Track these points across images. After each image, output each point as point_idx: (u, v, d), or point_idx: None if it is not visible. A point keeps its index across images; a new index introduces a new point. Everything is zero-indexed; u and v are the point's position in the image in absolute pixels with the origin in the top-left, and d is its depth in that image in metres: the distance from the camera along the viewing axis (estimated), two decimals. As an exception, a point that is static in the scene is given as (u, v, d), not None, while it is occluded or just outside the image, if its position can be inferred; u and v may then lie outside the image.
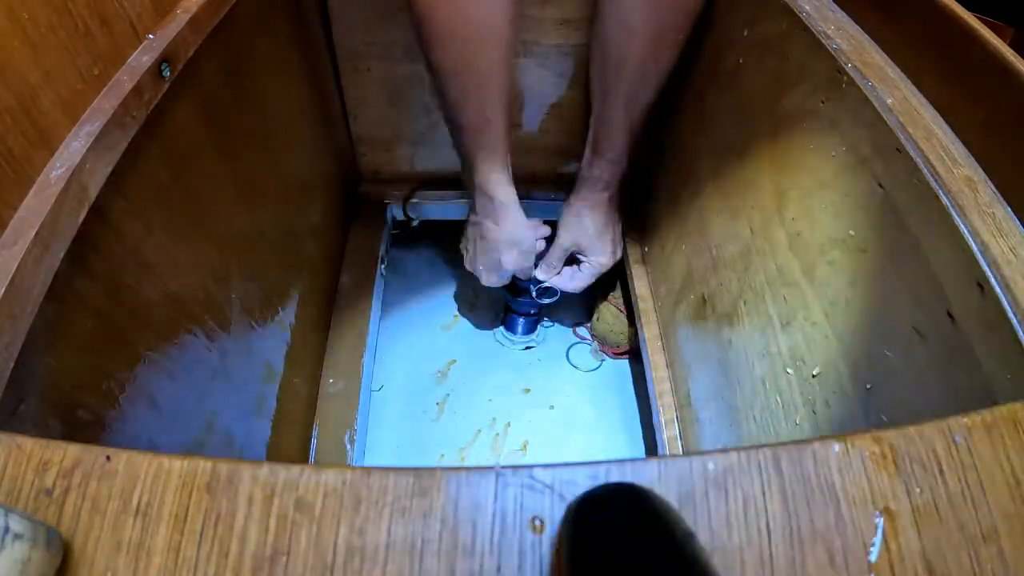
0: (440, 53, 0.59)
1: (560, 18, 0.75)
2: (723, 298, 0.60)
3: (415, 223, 0.97)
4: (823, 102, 0.44)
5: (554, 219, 0.87)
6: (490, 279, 0.78)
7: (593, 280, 0.82)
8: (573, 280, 0.82)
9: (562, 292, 0.85)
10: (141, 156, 0.39)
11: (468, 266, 0.80)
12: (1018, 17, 0.80)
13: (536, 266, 0.81)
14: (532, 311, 0.91)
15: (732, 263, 0.59)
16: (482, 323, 0.96)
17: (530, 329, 0.93)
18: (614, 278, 0.92)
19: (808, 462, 0.22)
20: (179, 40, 0.42)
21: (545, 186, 0.94)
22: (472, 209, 0.74)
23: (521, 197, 0.92)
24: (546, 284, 0.83)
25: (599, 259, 0.79)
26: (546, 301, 0.85)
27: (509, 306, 0.92)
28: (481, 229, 0.73)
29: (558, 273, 0.82)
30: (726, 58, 0.60)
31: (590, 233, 0.77)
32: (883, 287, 0.38)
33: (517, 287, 0.85)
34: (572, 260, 0.82)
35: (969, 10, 0.38)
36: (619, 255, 0.81)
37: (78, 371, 0.33)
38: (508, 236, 0.72)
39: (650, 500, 0.20)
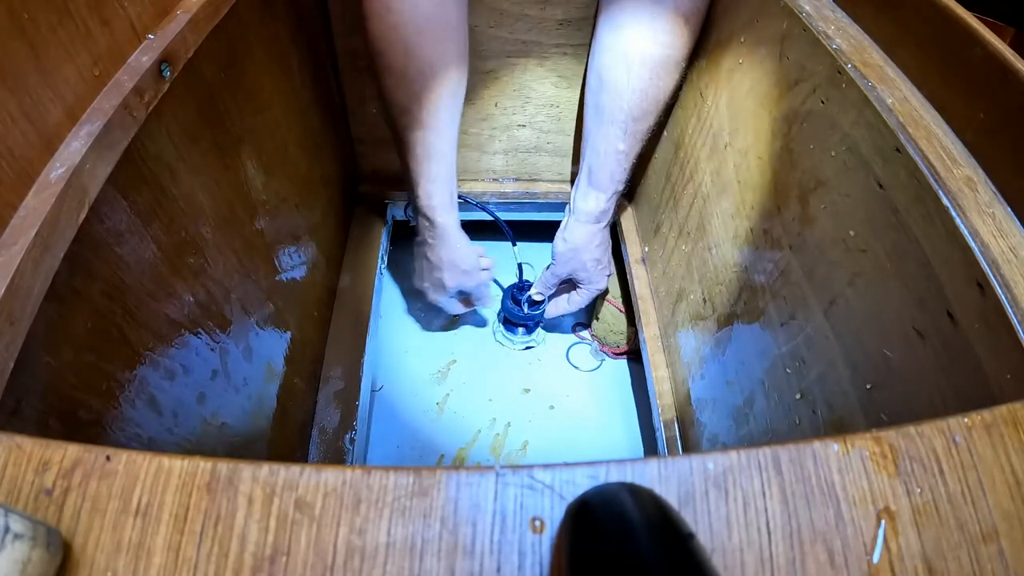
0: (391, 87, 0.62)
1: (560, 18, 0.75)
2: (723, 298, 0.60)
3: (414, 222, 0.97)
4: (823, 102, 0.44)
5: (555, 218, 0.87)
6: (436, 297, 0.81)
7: (589, 302, 0.85)
8: (570, 304, 0.85)
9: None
10: (141, 156, 0.39)
11: (416, 284, 0.82)
12: (1018, 17, 0.80)
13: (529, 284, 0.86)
14: (527, 322, 0.92)
15: (732, 263, 0.59)
16: (482, 323, 0.96)
17: (530, 329, 0.93)
18: (613, 278, 0.92)
19: (808, 462, 0.22)
20: (179, 40, 0.42)
21: (545, 185, 0.94)
22: (416, 231, 0.76)
23: (522, 196, 0.94)
24: (539, 303, 0.86)
25: (596, 286, 0.82)
26: (536, 312, 0.88)
27: (507, 316, 0.93)
28: (424, 249, 0.76)
29: (553, 294, 0.85)
30: (726, 58, 0.60)
31: (587, 267, 0.79)
32: (883, 287, 0.38)
33: (514, 299, 0.88)
34: (567, 281, 0.84)
35: (969, 10, 0.38)
36: (611, 271, 0.84)
37: (78, 371, 0.33)
38: (448, 257, 0.75)
39: (650, 500, 0.20)
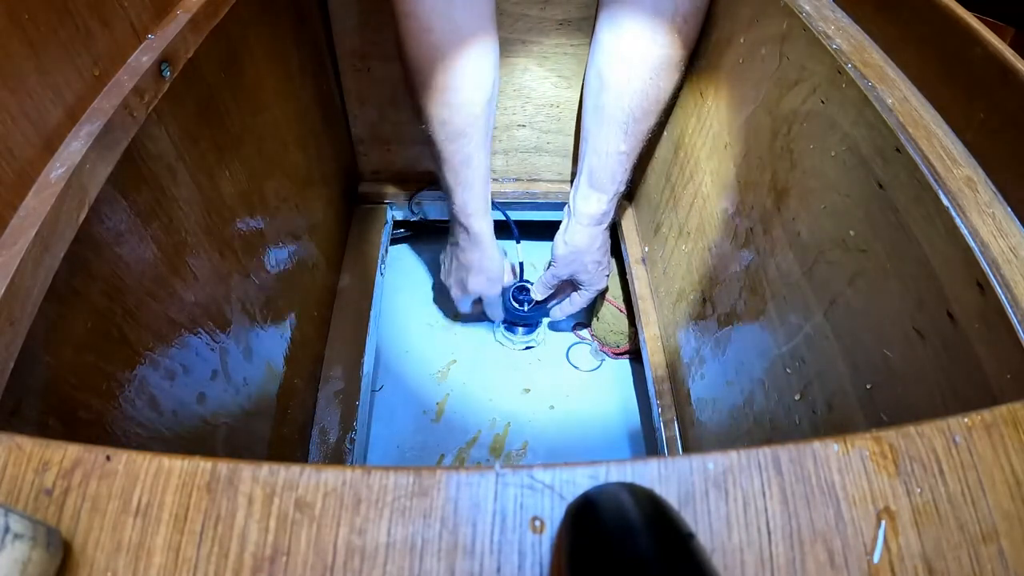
0: (430, 101, 0.63)
1: (560, 18, 0.75)
2: (723, 298, 0.60)
3: (416, 217, 0.97)
4: (823, 102, 0.44)
5: (555, 218, 0.88)
6: (457, 295, 0.83)
7: (590, 302, 0.86)
8: (572, 304, 0.87)
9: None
10: (141, 156, 0.39)
11: (443, 278, 0.85)
12: (1018, 17, 0.80)
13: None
14: (527, 322, 0.92)
15: (732, 263, 0.59)
16: (482, 323, 0.96)
17: (530, 329, 0.93)
18: (614, 278, 0.92)
19: (808, 462, 0.22)
20: (179, 40, 0.42)
21: (546, 185, 0.94)
22: (451, 232, 0.78)
23: (522, 196, 0.94)
24: (540, 303, 0.87)
25: (597, 287, 0.83)
26: (536, 312, 0.88)
27: (507, 317, 0.93)
28: (456, 251, 0.78)
29: (552, 294, 0.86)
30: (726, 58, 0.60)
31: (589, 269, 0.79)
32: (883, 287, 0.38)
33: (514, 299, 0.88)
34: (566, 281, 0.84)
35: (969, 10, 0.38)
36: (610, 271, 0.85)
37: (78, 371, 0.33)
38: (478, 264, 0.77)
39: (650, 500, 0.20)
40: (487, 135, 0.67)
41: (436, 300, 0.99)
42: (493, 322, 0.93)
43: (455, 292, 0.83)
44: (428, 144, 0.68)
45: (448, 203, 0.73)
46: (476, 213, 0.72)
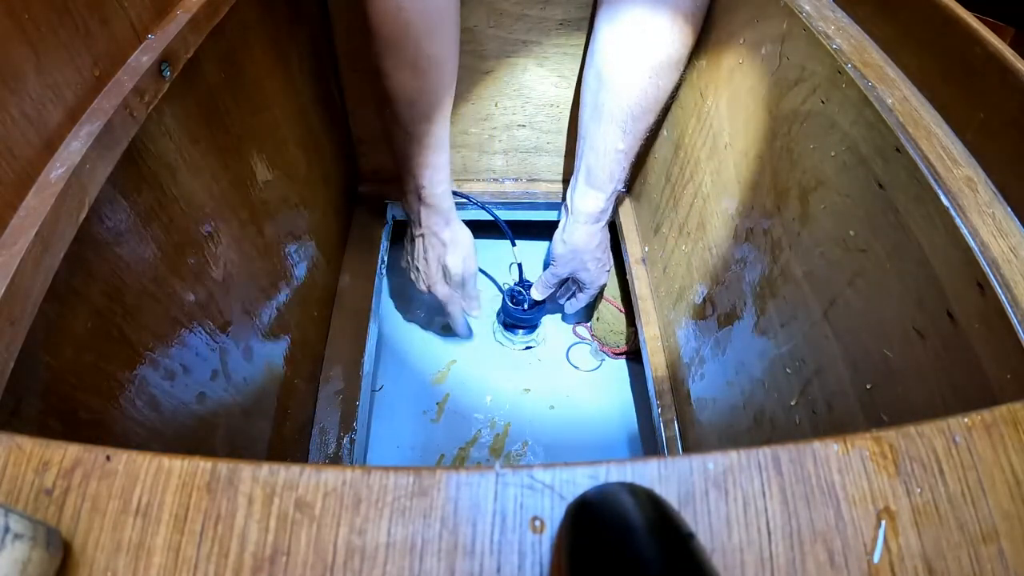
0: (400, 81, 0.61)
1: (560, 18, 0.75)
2: (723, 298, 0.60)
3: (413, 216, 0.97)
4: (823, 102, 0.44)
5: (555, 218, 0.87)
6: (440, 289, 0.78)
7: (592, 299, 0.87)
8: (579, 301, 0.87)
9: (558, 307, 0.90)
10: (141, 156, 0.39)
11: (423, 283, 0.79)
12: (1018, 17, 0.80)
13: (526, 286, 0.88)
14: (528, 323, 0.92)
15: (732, 263, 0.59)
16: (482, 322, 0.96)
17: (530, 330, 0.93)
18: (613, 278, 0.92)
19: (808, 462, 0.22)
20: (179, 40, 0.42)
21: (545, 185, 0.94)
22: (417, 224, 0.75)
23: (522, 196, 0.94)
24: (539, 303, 0.87)
25: (599, 283, 0.83)
26: (537, 315, 0.89)
27: (506, 318, 0.93)
28: (426, 239, 0.75)
29: (552, 293, 0.86)
30: (726, 58, 0.60)
31: (588, 267, 0.78)
32: (883, 287, 0.38)
33: (514, 299, 0.88)
34: (567, 279, 0.85)
35: (969, 10, 0.38)
36: (610, 266, 0.84)
37: (78, 371, 0.33)
38: (452, 239, 0.75)
39: (650, 500, 0.20)
40: (448, 119, 0.67)
41: (436, 300, 0.99)
42: (481, 323, 0.90)
43: (440, 288, 0.78)
44: (392, 126, 0.66)
45: (414, 187, 0.71)
46: (443, 194, 0.71)
